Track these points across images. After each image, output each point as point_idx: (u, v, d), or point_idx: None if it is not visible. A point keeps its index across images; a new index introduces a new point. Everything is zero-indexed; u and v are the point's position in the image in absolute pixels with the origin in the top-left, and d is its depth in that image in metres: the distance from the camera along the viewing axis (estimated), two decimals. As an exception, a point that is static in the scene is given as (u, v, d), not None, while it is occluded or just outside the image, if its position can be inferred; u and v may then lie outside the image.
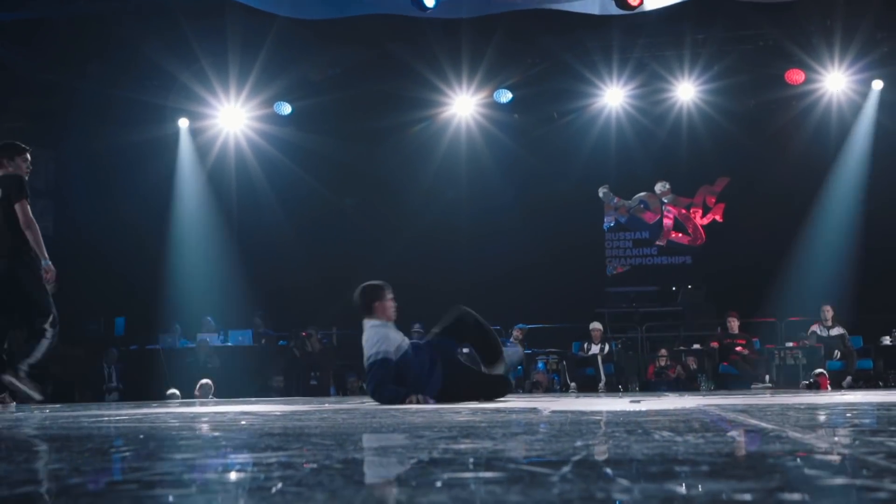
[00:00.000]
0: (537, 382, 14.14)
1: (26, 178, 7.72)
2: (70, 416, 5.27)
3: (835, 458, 2.07)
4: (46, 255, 7.53)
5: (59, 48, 17.16)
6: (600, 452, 2.21)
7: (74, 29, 16.68)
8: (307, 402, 8.43)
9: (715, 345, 14.54)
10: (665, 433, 2.77)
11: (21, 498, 1.58)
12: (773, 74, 16.18)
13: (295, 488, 1.60)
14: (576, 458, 2.04)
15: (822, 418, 3.72)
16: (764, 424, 3.23)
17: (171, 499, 1.58)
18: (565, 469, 1.81)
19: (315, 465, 1.98)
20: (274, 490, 1.59)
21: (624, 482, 1.63)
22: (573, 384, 14.16)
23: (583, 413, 4.73)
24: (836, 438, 2.55)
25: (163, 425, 4.11)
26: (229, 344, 15.22)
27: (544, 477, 1.70)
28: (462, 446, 2.46)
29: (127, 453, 2.43)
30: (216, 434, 3.41)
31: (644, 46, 15.79)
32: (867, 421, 3.71)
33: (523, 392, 13.95)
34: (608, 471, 1.83)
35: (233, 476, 1.89)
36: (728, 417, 3.86)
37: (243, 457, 2.35)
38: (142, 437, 3.20)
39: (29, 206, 7.53)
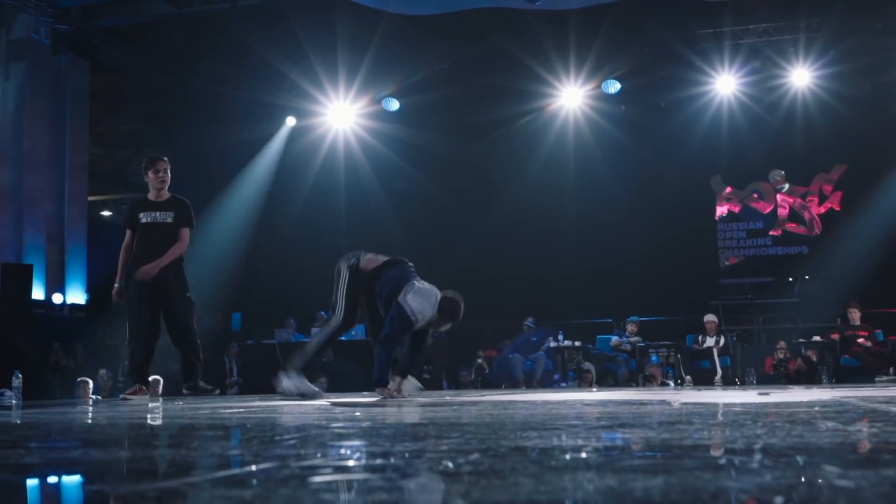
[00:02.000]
0: (651, 375, 13.95)
1: (153, 191, 8.07)
2: (209, 408, 5.38)
3: None
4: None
5: (171, 50, 17.60)
6: (780, 441, 2.15)
7: (186, 30, 17.10)
8: (427, 395, 8.45)
9: (836, 336, 14.14)
10: (829, 423, 2.69)
11: (224, 481, 1.60)
12: (891, 57, 15.68)
13: (496, 478, 1.59)
14: (758, 446, 1.99)
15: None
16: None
17: (377, 483, 1.59)
18: (758, 457, 1.76)
19: (494, 453, 1.97)
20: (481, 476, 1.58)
21: (833, 469, 1.58)
22: (688, 377, 13.93)
23: (718, 405, 4.64)
24: None
25: (299, 415, 4.16)
26: (342, 338, 15.36)
27: (743, 465, 1.66)
28: (626, 434, 2.43)
29: (291, 441, 2.46)
30: (364, 424, 3.44)
31: (757, 32, 15.44)
32: None
33: (637, 385, 13.79)
34: (799, 458, 1.77)
35: (422, 462, 1.89)
36: (879, 409, 3.74)
37: (410, 445, 2.35)
38: (291, 426, 3.25)
39: (128, 234, 8.08)
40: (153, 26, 16.98)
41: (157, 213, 7.91)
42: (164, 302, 7.81)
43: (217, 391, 8.23)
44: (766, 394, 6.61)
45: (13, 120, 15.45)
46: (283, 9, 15.01)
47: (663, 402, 5.46)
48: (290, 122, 17.99)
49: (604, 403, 5.25)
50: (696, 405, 4.78)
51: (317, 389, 7.60)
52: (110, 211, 23.48)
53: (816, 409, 3.79)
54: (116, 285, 7.94)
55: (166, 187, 8.02)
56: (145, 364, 7.96)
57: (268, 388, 13.60)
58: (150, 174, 8.01)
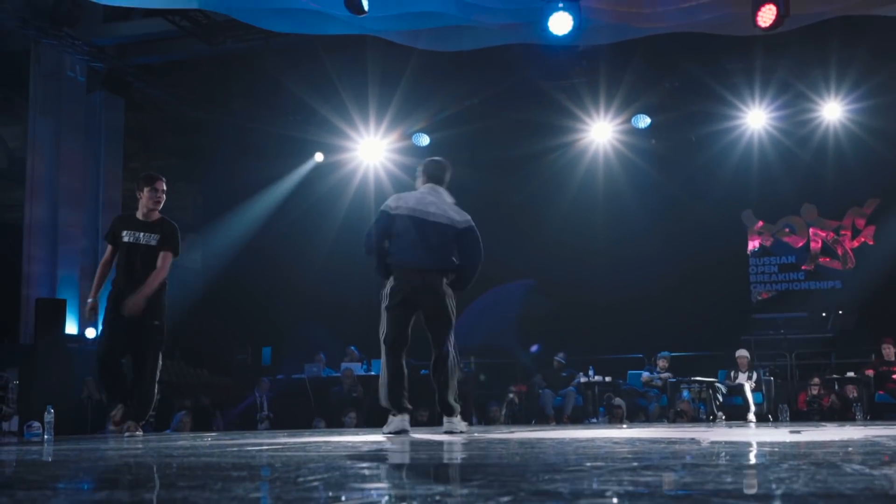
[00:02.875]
0: (682, 412, 13.84)
1: (143, 209, 7.70)
2: (237, 445, 5.39)
3: None
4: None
5: (204, 87, 17.84)
6: (803, 486, 2.13)
7: (219, 67, 17.33)
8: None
9: (870, 372, 13.98)
10: (855, 466, 2.66)
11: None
12: (924, 91, 15.60)
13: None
14: (779, 491, 1.98)
15: None
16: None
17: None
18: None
19: (514, 498, 1.96)
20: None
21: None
22: (721, 414, 13.81)
23: (748, 444, 4.60)
24: None
25: (326, 454, 4.17)
26: (373, 373, 15.39)
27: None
28: (648, 478, 2.41)
29: (315, 482, 2.47)
30: (388, 464, 3.44)
31: (787, 66, 15.41)
32: None
33: (668, 422, 13.68)
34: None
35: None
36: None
37: (432, 488, 2.35)
38: (316, 466, 3.26)
39: (109, 249, 7.79)
40: (186, 63, 17.25)
41: (142, 234, 7.58)
42: (137, 325, 7.43)
43: (140, 434, 7.48)
44: (798, 432, 6.54)
45: (49, 156, 15.67)
46: (315, 46, 15.17)
47: (693, 440, 5.41)
48: (318, 157, 18.09)
49: (632, 442, 5.21)
50: (724, 444, 4.74)
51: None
52: (143, 245, 23.68)
53: (846, 449, 3.74)
54: (90, 300, 7.67)
55: (159, 208, 7.72)
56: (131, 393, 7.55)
57: (297, 422, 13.70)
58: (147, 192, 7.63)
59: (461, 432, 6.86)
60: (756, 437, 5.87)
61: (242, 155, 18.58)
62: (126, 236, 7.56)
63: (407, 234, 6.94)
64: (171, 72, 17.44)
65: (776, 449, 3.92)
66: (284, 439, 6.50)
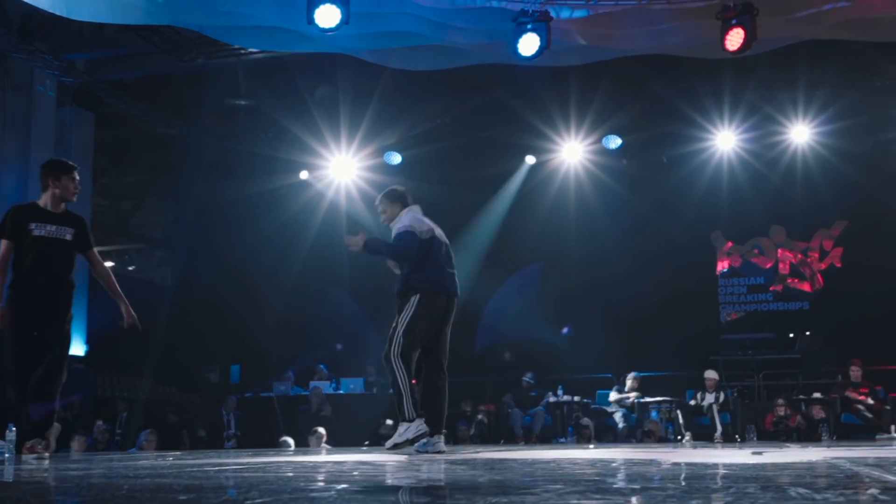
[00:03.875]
0: (650, 432, 13.87)
1: (55, 201, 7.07)
2: (196, 465, 5.36)
3: None
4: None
5: (177, 103, 17.79)
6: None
7: (192, 83, 17.29)
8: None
9: (835, 396, 14.08)
10: (801, 489, 2.68)
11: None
12: (891, 114, 15.81)
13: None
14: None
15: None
16: (904, 481, 3.10)
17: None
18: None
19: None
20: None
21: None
22: (688, 434, 13.86)
23: (706, 465, 4.62)
24: None
25: (283, 475, 4.15)
26: (341, 392, 15.36)
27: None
28: (598, 501, 2.42)
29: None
30: (340, 487, 3.42)
31: (756, 89, 15.57)
32: None
33: (636, 441, 13.71)
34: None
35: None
36: (863, 472, 3.72)
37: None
38: (267, 488, 3.24)
39: (5, 244, 6.88)
40: (158, 79, 17.18)
41: (55, 228, 6.95)
42: (50, 332, 6.80)
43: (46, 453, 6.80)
44: (760, 453, 6.57)
45: (18, 171, 15.55)
46: (287, 64, 15.18)
47: (653, 461, 5.42)
48: (304, 175, 17.98)
49: (593, 463, 5.22)
50: (683, 466, 4.75)
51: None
52: (112, 262, 23.54)
53: (799, 472, 3.77)
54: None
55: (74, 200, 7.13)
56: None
57: (265, 441, 13.62)
58: (65, 180, 7.07)
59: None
60: (717, 458, 5.89)
61: (214, 172, 18.49)
62: (36, 230, 6.87)
63: (437, 258, 7.33)
64: (142, 87, 17.37)
65: (730, 472, 3.94)
66: (248, 459, 6.46)
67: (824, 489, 2.68)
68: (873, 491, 2.72)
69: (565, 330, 17.02)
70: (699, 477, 3.63)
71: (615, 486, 3.11)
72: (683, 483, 3.29)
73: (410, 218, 7.36)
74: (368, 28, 12.30)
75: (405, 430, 7.08)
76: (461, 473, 4.10)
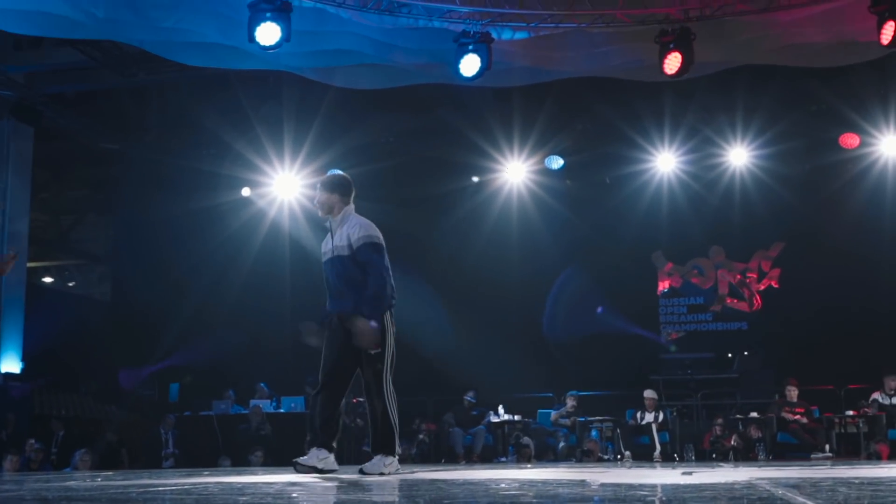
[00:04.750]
0: (589, 451, 13.94)
1: None
2: (123, 486, 5.29)
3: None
4: None
5: (118, 118, 17.63)
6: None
7: (133, 98, 17.15)
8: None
9: (772, 416, 14.26)
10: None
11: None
12: (827, 138, 16.11)
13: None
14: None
15: (874, 497, 3.61)
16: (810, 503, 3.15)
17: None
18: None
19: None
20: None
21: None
22: (627, 453, 13.96)
23: (631, 487, 4.66)
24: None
25: (209, 497, 4.11)
26: (282, 411, 15.25)
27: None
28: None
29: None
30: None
31: (696, 112, 15.80)
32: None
33: (576, 461, 13.77)
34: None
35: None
36: (777, 494, 3.77)
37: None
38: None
39: None
40: (99, 94, 17.02)
41: None
42: None
43: None
44: (690, 473, 6.63)
45: (-48, 185, 15.33)
46: (230, 80, 15.12)
47: (582, 482, 5.45)
48: (245, 192, 17.87)
49: (521, 484, 5.24)
50: (610, 487, 4.78)
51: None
52: (52, 277, 23.23)
53: (717, 493, 3.81)
54: None
55: None
56: None
57: (203, 461, 13.48)
58: None
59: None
60: (645, 478, 5.93)
61: (156, 187, 18.32)
62: None
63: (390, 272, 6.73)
64: (83, 102, 17.20)
65: (650, 493, 3.98)
66: (180, 479, 6.39)
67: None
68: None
69: (599, 309, 17.09)
70: (617, 499, 3.66)
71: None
72: (599, 505, 3.31)
73: (367, 224, 6.74)
74: (310, 46, 12.33)
75: (391, 464, 6.66)
76: (380, 498, 4.09)
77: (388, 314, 6.65)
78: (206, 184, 17.60)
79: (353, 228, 6.67)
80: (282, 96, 15.73)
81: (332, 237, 6.81)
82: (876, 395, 14.12)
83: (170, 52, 12.99)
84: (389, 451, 6.68)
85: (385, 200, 17.70)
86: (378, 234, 6.69)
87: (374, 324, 6.47)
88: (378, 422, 6.70)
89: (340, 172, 7.16)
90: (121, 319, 17.94)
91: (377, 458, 6.65)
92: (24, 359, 15.86)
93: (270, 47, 11.26)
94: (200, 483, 5.80)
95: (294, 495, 4.28)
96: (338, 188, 6.87)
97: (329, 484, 5.68)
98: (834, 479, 5.31)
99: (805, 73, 13.96)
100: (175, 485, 5.58)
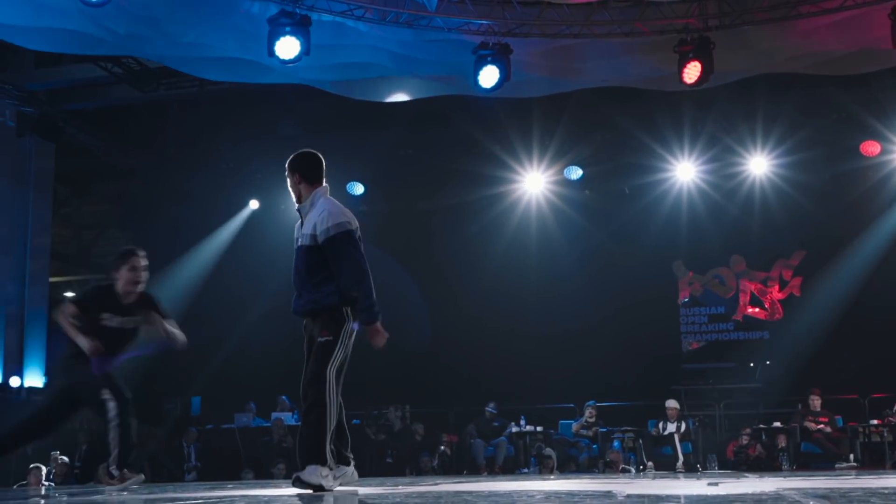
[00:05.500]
0: (612, 462, 13.90)
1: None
2: (146, 499, 5.32)
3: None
4: None
5: (138, 133, 17.74)
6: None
7: (153, 113, 17.26)
8: (381, 483, 8.36)
9: (795, 426, 14.18)
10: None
11: None
12: (848, 146, 16.04)
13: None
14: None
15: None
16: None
17: None
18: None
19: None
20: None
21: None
22: (650, 464, 13.90)
23: (658, 498, 4.64)
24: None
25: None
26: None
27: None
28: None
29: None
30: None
31: (715, 121, 15.77)
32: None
33: (598, 472, 13.73)
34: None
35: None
36: (808, 504, 3.75)
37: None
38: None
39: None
40: (119, 109, 17.13)
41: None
42: None
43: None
44: (716, 484, 6.60)
45: (-24, 201, 15.47)
46: (249, 94, 15.18)
47: (608, 493, 5.44)
48: (253, 204, 17.96)
49: (548, 495, 5.23)
50: (636, 498, 4.77)
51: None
52: (74, 292, 23.32)
53: (742, 503, 3.80)
54: None
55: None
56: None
57: (226, 473, 13.51)
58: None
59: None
60: (672, 489, 5.92)
61: (176, 202, 18.42)
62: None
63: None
64: (104, 117, 17.31)
65: (679, 504, 3.96)
66: (205, 493, 6.40)
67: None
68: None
69: None
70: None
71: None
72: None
73: (337, 211, 6.00)
74: (329, 60, 12.40)
75: (328, 476, 5.86)
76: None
77: (348, 309, 5.92)
78: (227, 198, 17.68)
79: (320, 215, 5.92)
80: (302, 107, 15.79)
81: (302, 224, 6.08)
82: (902, 403, 14.02)
83: (189, 66, 13.09)
84: (322, 462, 5.80)
85: (405, 213, 17.79)
86: (350, 220, 5.95)
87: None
88: (311, 426, 5.87)
89: (307, 150, 6.25)
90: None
91: (311, 468, 5.76)
92: (47, 373, 15.94)
93: (290, 61, 11.33)
94: (226, 496, 5.81)
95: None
96: (300, 168, 6.16)
97: (354, 494, 5.67)
98: (863, 489, 5.28)
99: (825, 81, 13.90)
100: (201, 498, 5.59)
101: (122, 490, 7.00)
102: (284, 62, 11.38)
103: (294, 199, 6.18)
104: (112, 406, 7.11)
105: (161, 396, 16.98)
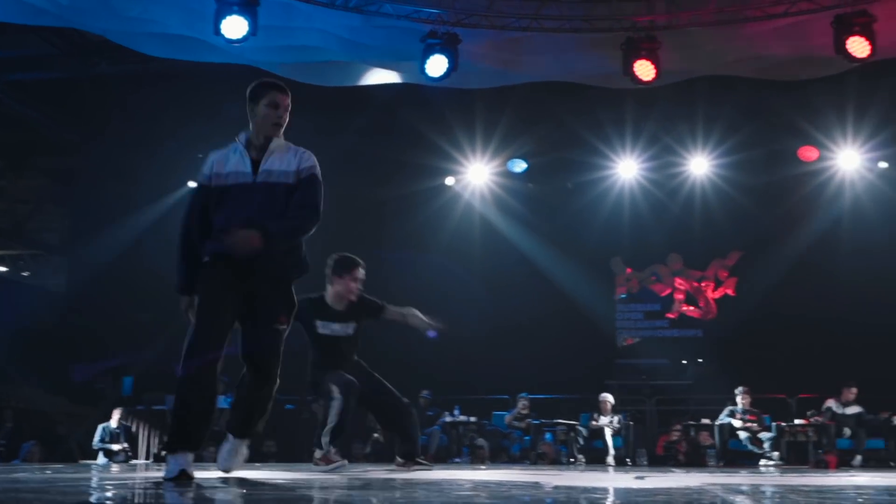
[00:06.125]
0: (544, 454, 14.00)
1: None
2: (70, 479, 5.25)
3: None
4: None
5: (79, 108, 17.41)
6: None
7: (95, 90, 16.94)
8: (310, 469, 8.34)
9: (725, 421, 14.41)
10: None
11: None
12: (786, 151, 16.31)
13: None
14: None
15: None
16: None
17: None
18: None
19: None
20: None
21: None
22: (581, 457, 14.04)
23: (585, 490, 4.69)
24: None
25: (160, 489, 4.09)
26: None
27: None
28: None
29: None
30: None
31: (657, 120, 15.93)
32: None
33: (530, 463, 13.82)
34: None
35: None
36: (728, 499, 3.82)
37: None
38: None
39: None
40: (61, 83, 16.79)
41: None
42: None
43: None
44: (642, 478, 6.69)
45: None
46: (193, 72, 14.97)
47: (535, 484, 5.49)
48: (192, 185, 17.73)
49: (476, 485, 5.26)
50: (563, 489, 4.81)
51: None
52: (6, 267, 22.91)
53: (669, 497, 3.86)
54: None
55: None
56: None
57: (156, 455, 13.37)
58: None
59: None
60: (598, 482, 5.98)
61: (115, 179, 18.11)
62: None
63: None
64: (44, 91, 16.96)
65: (603, 496, 4.01)
66: (131, 473, 6.34)
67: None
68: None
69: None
70: (571, 502, 3.69)
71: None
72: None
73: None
74: (277, 41, 12.28)
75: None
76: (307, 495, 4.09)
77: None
78: (165, 178, 17.44)
79: (299, 152, 5.48)
80: (243, 89, 15.58)
81: (261, 161, 5.40)
82: (830, 403, 14.30)
83: (134, 42, 12.85)
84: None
85: (344, 202, 17.66)
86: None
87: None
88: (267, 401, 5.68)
89: None
90: (75, 312, 17.73)
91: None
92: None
93: (236, 41, 11.21)
94: (152, 477, 5.76)
95: (244, 491, 4.27)
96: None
97: (286, 479, 5.67)
98: (784, 486, 5.39)
99: (765, 86, 14.09)
100: (127, 479, 5.54)
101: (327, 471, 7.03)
102: (231, 42, 11.26)
103: (276, 131, 5.46)
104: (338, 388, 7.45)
105: (93, 377, 16.77)
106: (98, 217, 18.01)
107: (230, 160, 5.44)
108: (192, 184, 17.58)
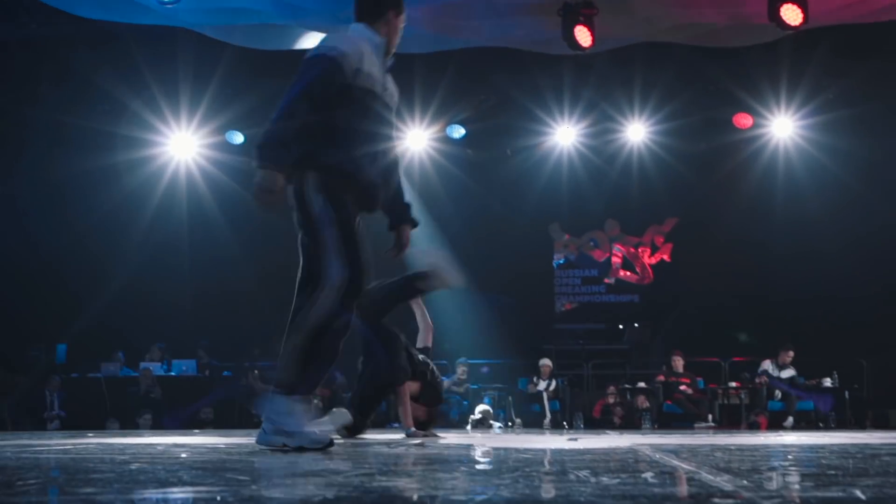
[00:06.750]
0: (482, 419, 14.09)
1: None
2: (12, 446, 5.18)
3: (731, 502, 2.08)
4: None
5: (9, 71, 16.96)
6: (508, 493, 2.21)
7: (26, 52, 16.51)
8: (248, 434, 8.31)
9: (658, 386, 14.64)
10: (582, 473, 2.78)
11: None
12: (721, 118, 16.43)
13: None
14: (481, 497, 2.04)
15: (744, 461, 3.74)
16: (684, 465, 3.25)
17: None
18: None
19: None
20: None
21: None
22: (518, 420, 14.17)
23: (517, 450, 4.73)
24: (744, 482, 2.57)
25: (87, 457, 4.05)
26: (173, 374, 15.05)
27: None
28: (375, 484, 2.45)
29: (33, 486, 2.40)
30: (133, 467, 3.36)
31: (594, 86, 15.94)
32: (785, 464, 3.74)
33: (468, 428, 13.92)
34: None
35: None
36: (655, 458, 3.88)
37: (151, 492, 2.32)
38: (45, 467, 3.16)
39: None
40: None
41: None
42: None
43: None
44: (575, 439, 6.76)
45: None
46: (125, 37, 14.68)
47: (469, 446, 5.53)
48: (136, 152, 17.43)
49: (408, 448, 5.28)
50: (496, 451, 4.85)
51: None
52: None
53: (595, 457, 3.90)
54: None
55: None
56: None
57: (90, 423, 13.23)
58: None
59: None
60: (532, 444, 6.03)
61: (49, 147, 17.72)
62: None
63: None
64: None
65: (531, 456, 4.05)
66: (62, 440, 6.27)
67: (602, 473, 2.79)
68: (648, 474, 2.84)
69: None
70: (500, 461, 3.72)
71: (407, 470, 3.15)
72: (476, 466, 3.37)
73: (348, 39, 4.83)
74: (210, 3, 12.10)
75: None
76: (277, 458, 4.09)
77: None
78: (102, 142, 17.11)
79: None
80: (177, 55, 15.33)
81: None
82: (766, 366, 14.55)
83: (63, 2, 12.57)
84: None
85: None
86: (344, 51, 4.78)
87: None
88: None
89: None
90: (5, 280, 17.38)
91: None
92: None
93: (168, 2, 11.02)
94: (82, 444, 5.71)
95: (183, 455, 4.24)
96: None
97: (220, 444, 5.63)
98: (712, 445, 5.48)
99: (701, 52, 14.16)
100: (56, 445, 5.48)
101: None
102: (162, 3, 11.06)
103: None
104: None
105: (25, 343, 16.49)
106: (32, 186, 17.61)
107: (374, 62, 4.71)
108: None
